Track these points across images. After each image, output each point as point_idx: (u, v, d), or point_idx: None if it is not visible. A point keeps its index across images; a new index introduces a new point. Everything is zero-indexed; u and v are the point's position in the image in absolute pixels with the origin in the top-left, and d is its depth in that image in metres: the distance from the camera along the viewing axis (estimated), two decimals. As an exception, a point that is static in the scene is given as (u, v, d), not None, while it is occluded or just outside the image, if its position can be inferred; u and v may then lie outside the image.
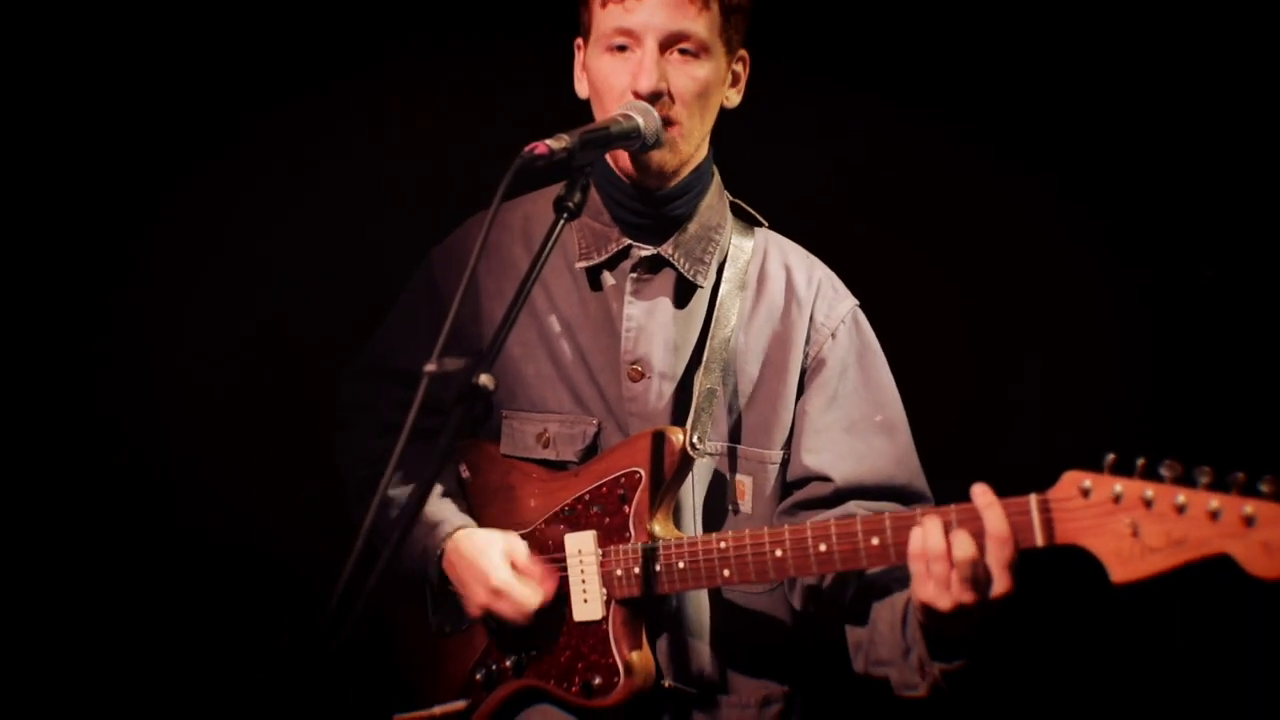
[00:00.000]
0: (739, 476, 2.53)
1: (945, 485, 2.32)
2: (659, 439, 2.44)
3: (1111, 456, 1.96)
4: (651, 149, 2.42)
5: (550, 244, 2.17)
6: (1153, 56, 3.32)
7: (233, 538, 3.44)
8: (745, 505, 2.53)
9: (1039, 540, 2.02)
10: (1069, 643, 3.43)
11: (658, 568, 2.39)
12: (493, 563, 2.44)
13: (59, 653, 3.33)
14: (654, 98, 2.41)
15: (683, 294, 2.56)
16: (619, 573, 2.43)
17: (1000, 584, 2.08)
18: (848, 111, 3.47)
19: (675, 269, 2.54)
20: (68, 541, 3.36)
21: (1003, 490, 2.09)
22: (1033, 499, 2.03)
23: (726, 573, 2.34)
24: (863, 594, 2.43)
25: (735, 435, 2.54)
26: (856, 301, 2.64)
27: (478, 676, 2.55)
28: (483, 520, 2.61)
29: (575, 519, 2.49)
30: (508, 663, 2.53)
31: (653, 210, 2.53)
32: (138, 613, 3.42)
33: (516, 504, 2.57)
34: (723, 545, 2.34)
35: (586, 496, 2.49)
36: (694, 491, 2.51)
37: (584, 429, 2.54)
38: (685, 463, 2.43)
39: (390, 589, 2.63)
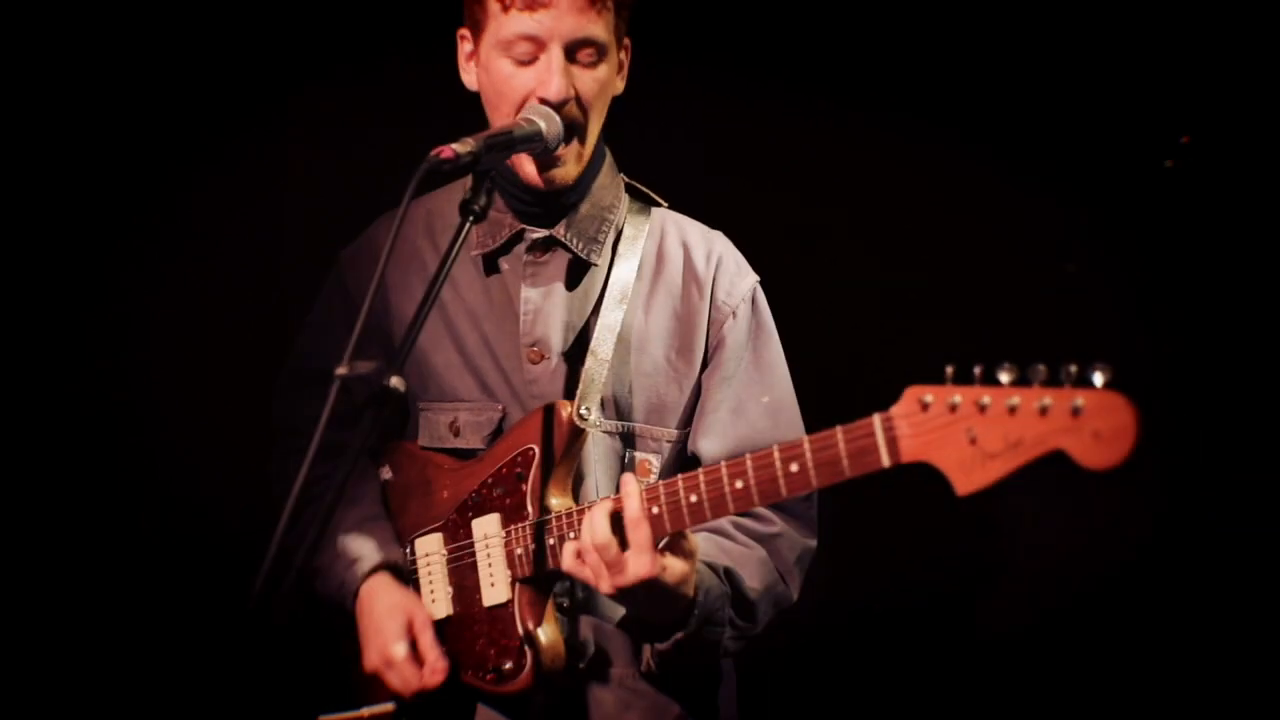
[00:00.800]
0: (642, 455, 2.54)
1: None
2: (548, 413, 2.45)
3: (950, 368, 1.91)
4: (553, 152, 2.46)
5: (457, 247, 2.22)
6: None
7: (233, 536, 3.39)
8: (650, 482, 2.50)
9: (885, 460, 1.97)
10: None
11: (552, 541, 2.39)
12: (391, 633, 2.46)
13: (59, 652, 3.38)
14: (561, 105, 2.45)
15: (577, 274, 2.58)
16: (519, 551, 2.43)
17: (639, 565, 2.19)
18: (814, 137, 3.57)
19: (568, 249, 2.57)
20: (68, 541, 3.42)
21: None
22: (876, 419, 1.98)
23: None
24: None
25: (636, 414, 2.55)
26: (757, 278, 2.65)
27: None
28: (403, 517, 2.63)
29: (481, 504, 2.50)
30: None
31: (542, 196, 2.57)
32: (137, 612, 3.46)
33: (431, 498, 2.59)
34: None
35: (489, 480, 2.50)
36: (595, 471, 2.51)
37: (490, 415, 2.56)
38: (575, 434, 2.44)
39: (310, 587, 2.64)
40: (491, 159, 2.30)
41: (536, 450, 2.44)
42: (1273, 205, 3.34)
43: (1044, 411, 1.80)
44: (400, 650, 2.44)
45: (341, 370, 1.99)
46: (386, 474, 2.70)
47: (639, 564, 2.18)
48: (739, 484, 2.16)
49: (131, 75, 3.42)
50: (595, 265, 2.58)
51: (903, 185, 3.54)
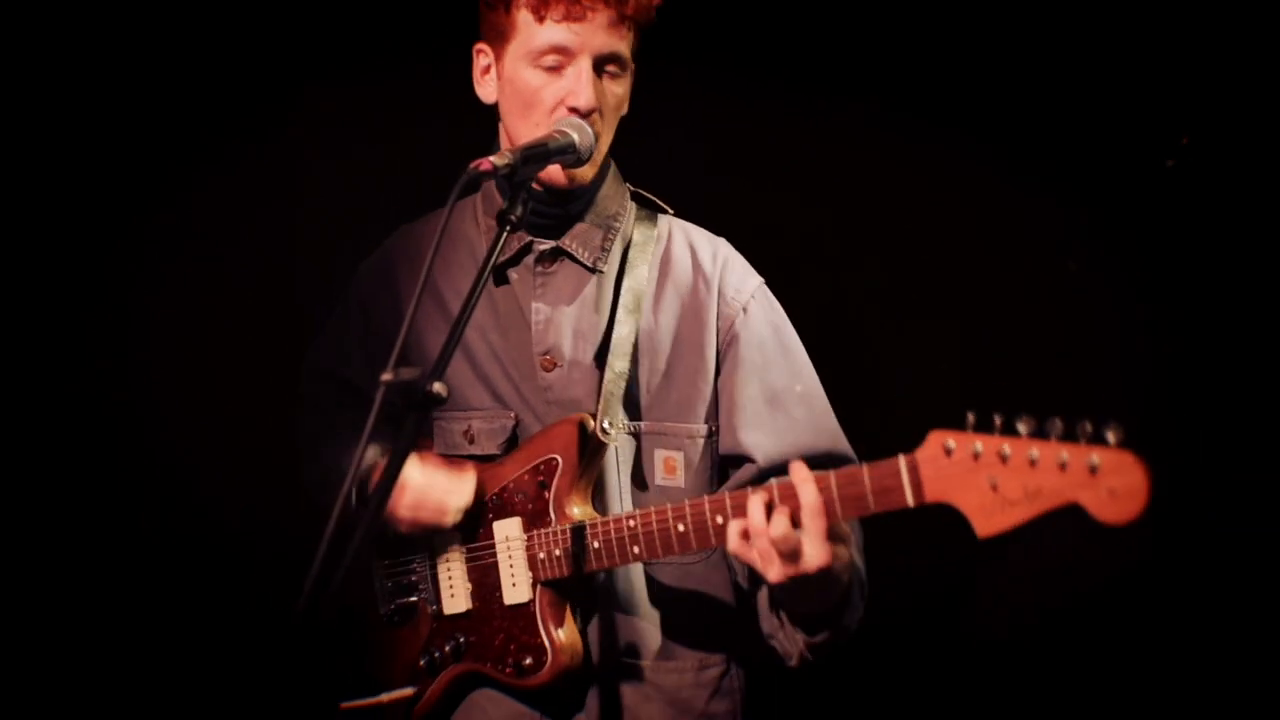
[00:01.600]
0: (667, 453, 2.61)
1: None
2: (572, 425, 2.54)
3: (971, 415, 2.00)
4: (585, 162, 2.54)
5: (495, 253, 2.29)
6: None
7: (234, 536, 3.53)
8: (678, 479, 2.61)
9: (910, 500, 2.08)
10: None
11: (577, 549, 2.48)
12: (406, 477, 2.54)
13: (58, 653, 3.42)
14: (588, 114, 2.53)
15: (586, 283, 2.66)
16: (542, 556, 2.51)
17: (815, 554, 2.20)
18: (851, 116, 3.59)
19: (575, 259, 2.65)
20: (68, 541, 3.46)
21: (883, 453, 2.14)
22: (901, 459, 2.09)
23: (636, 549, 2.42)
24: (754, 570, 2.49)
25: (657, 413, 2.62)
26: (762, 280, 2.72)
27: (422, 663, 2.65)
28: None
29: (502, 507, 2.59)
30: (448, 648, 2.62)
31: (548, 208, 2.65)
32: (136, 612, 3.50)
33: None
34: (631, 524, 2.43)
35: (510, 485, 2.58)
36: (618, 471, 2.60)
37: (503, 423, 2.65)
38: (597, 447, 2.53)
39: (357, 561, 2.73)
40: (528, 171, 2.38)
41: (559, 460, 2.53)
42: (1273, 205, 3.38)
43: (1063, 466, 1.89)
44: (418, 479, 2.54)
45: (387, 377, 2.05)
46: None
47: (817, 553, 2.21)
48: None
49: (132, 75, 3.45)
50: (602, 273, 2.66)
51: (901, 184, 3.57)
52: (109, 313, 3.46)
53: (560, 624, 2.52)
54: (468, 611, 2.61)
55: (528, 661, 2.52)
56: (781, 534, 2.20)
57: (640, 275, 2.64)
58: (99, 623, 3.45)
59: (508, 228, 2.31)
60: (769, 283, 2.72)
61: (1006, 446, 1.95)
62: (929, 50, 3.54)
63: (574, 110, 2.52)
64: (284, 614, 1.97)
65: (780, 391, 2.62)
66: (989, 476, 1.97)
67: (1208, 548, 3.40)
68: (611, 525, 2.45)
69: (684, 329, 2.64)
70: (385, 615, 2.73)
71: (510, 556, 2.56)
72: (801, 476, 2.22)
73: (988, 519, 1.97)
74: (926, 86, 3.54)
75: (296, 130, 3.55)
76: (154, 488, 3.47)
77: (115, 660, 3.44)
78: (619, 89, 2.58)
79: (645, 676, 2.58)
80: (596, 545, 2.46)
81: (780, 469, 2.55)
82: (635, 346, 2.59)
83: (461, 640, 2.61)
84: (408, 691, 2.66)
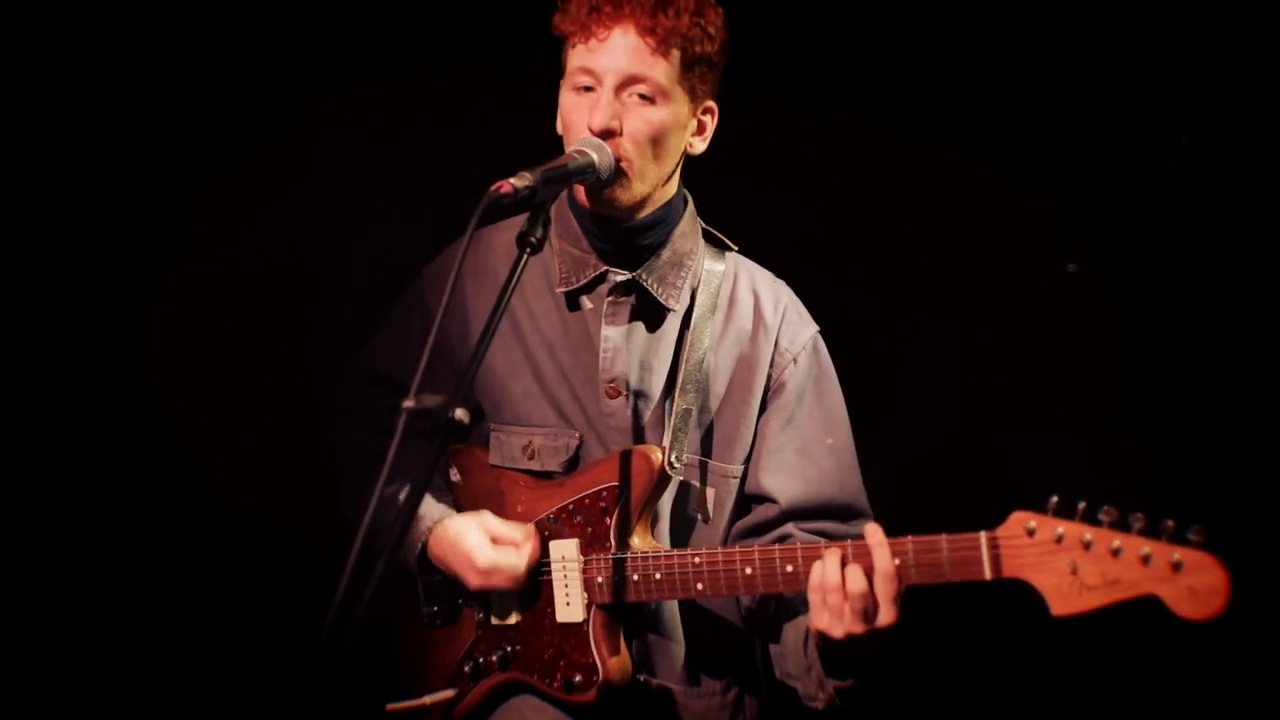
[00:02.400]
0: (704, 489, 2.69)
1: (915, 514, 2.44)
2: (640, 457, 2.60)
3: (1055, 499, 2.09)
4: (606, 185, 2.56)
5: (515, 279, 2.31)
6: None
7: (234, 536, 3.53)
8: (707, 514, 2.69)
9: (987, 574, 2.19)
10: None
11: (636, 577, 2.55)
12: (474, 545, 2.61)
13: (57, 653, 3.40)
14: (605, 134, 2.54)
15: (656, 317, 2.70)
16: (599, 580, 2.58)
17: (886, 615, 2.31)
18: (851, 116, 3.57)
19: (648, 293, 2.69)
20: (67, 541, 3.41)
21: (958, 524, 2.22)
22: (982, 536, 2.19)
23: (700, 586, 2.51)
24: (779, 611, 2.64)
25: (704, 449, 2.70)
26: (817, 328, 2.79)
27: (465, 668, 2.72)
28: None
29: (560, 527, 2.65)
30: (494, 657, 2.69)
31: (624, 240, 2.68)
32: (136, 612, 3.48)
33: (505, 509, 2.72)
34: (697, 560, 2.50)
35: (570, 506, 2.64)
36: (665, 502, 2.67)
37: (567, 441, 2.70)
38: (663, 481, 2.60)
39: (385, 584, 2.76)
40: (548, 192, 2.40)
41: (625, 490, 2.59)
42: (1273, 205, 3.42)
43: (1146, 560, 2.00)
44: (488, 553, 2.60)
45: (409, 403, 2.08)
46: (455, 476, 2.82)
47: (886, 615, 2.29)
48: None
49: (132, 74, 3.41)
50: (673, 310, 2.70)
51: (899, 184, 3.58)
52: (109, 313, 3.43)
53: (614, 649, 2.60)
54: (516, 624, 2.68)
55: (577, 679, 2.60)
56: (858, 592, 2.29)
57: (706, 314, 2.69)
58: (99, 623, 3.44)
59: (527, 250, 2.32)
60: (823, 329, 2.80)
61: (1089, 534, 2.05)
62: (929, 50, 3.55)
63: (590, 130, 2.54)
64: (307, 642, 1.99)
65: (811, 442, 2.70)
66: (1070, 561, 2.07)
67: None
68: (676, 560, 2.52)
69: (738, 372, 2.71)
70: (426, 616, 2.78)
71: (566, 576, 2.62)
72: (876, 540, 2.31)
73: (1064, 600, 2.07)
74: (926, 87, 3.55)
75: (298, 130, 3.52)
76: (154, 488, 3.44)
77: (115, 661, 3.45)
78: (653, 116, 2.56)
79: (678, 700, 2.68)
80: (659, 577, 2.53)
81: (800, 513, 2.69)
82: (697, 384, 2.64)
83: (509, 650, 2.68)
84: (449, 694, 2.73)
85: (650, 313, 2.70)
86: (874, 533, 2.32)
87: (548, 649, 2.65)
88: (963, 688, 3.56)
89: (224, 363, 3.50)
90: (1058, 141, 3.48)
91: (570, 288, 2.70)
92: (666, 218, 2.69)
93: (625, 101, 2.55)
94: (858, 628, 2.31)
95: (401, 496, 2.71)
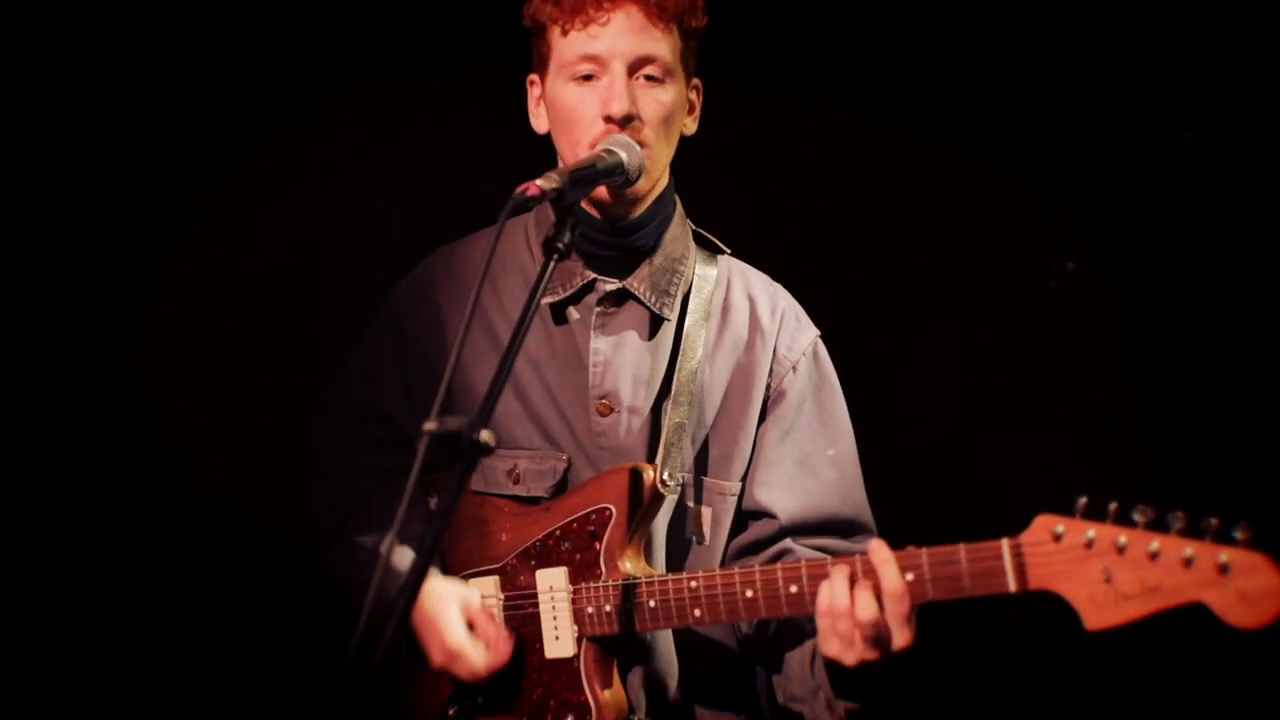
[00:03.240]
0: (700, 508, 2.51)
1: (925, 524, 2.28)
2: (630, 476, 2.40)
3: (1083, 500, 1.92)
4: (634, 184, 2.39)
5: (543, 288, 2.13)
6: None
7: (235, 536, 3.45)
8: (704, 535, 2.51)
9: (1012, 586, 1.99)
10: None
11: (629, 606, 2.36)
12: (448, 622, 2.41)
13: (60, 653, 3.37)
14: (626, 121, 2.38)
15: (648, 327, 2.52)
16: (590, 610, 2.39)
17: (900, 638, 2.11)
18: (851, 116, 3.51)
19: (640, 302, 2.52)
20: (67, 541, 3.39)
21: (976, 533, 2.05)
22: (1005, 544, 1.99)
23: (698, 613, 2.31)
24: (780, 634, 2.44)
25: (699, 466, 2.52)
26: (818, 332, 2.63)
27: (450, 711, 2.52)
28: (454, 554, 2.58)
29: (546, 555, 2.46)
30: (480, 699, 2.49)
31: (617, 242, 2.50)
32: (135, 612, 3.43)
33: (488, 538, 2.54)
34: (694, 585, 2.31)
35: (557, 532, 2.45)
36: (659, 523, 2.47)
37: (554, 464, 2.51)
38: (656, 500, 2.40)
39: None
40: (577, 194, 2.24)
41: (613, 511, 2.40)
42: (1273, 205, 3.34)
43: (1188, 563, 1.82)
44: (460, 637, 2.39)
45: (430, 426, 1.88)
46: (435, 504, 2.63)
47: (901, 638, 2.10)
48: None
49: (133, 74, 3.39)
50: (667, 319, 2.52)
51: (898, 184, 3.51)
52: (109, 313, 3.38)
53: (607, 683, 2.41)
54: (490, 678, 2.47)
55: (569, 719, 2.41)
56: (869, 619, 2.10)
57: (700, 322, 2.51)
58: (99, 623, 3.39)
59: (555, 256, 2.15)
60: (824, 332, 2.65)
61: (1123, 537, 1.87)
62: (928, 50, 3.48)
63: (610, 119, 2.38)
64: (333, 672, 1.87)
65: (811, 453, 2.53)
66: (1103, 567, 1.88)
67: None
68: (670, 585, 2.33)
69: (735, 382, 2.53)
70: (410, 659, 2.59)
71: (554, 608, 2.44)
72: (881, 558, 2.11)
73: (1098, 612, 1.89)
74: (924, 87, 3.49)
75: (299, 130, 3.46)
76: (154, 488, 3.38)
77: (116, 661, 3.38)
78: (664, 96, 2.43)
79: None
80: (653, 604, 2.34)
81: (801, 528, 2.50)
82: (691, 397, 2.46)
83: (497, 692, 2.47)
84: None
85: (642, 323, 2.52)
86: (878, 549, 2.12)
87: (537, 689, 2.45)
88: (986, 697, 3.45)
89: (224, 363, 3.44)
90: (1057, 141, 3.42)
91: (557, 298, 2.53)
92: (659, 213, 2.52)
93: (636, 85, 2.40)
94: (870, 654, 2.12)
95: (383, 547, 2.56)
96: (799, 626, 2.39)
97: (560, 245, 2.16)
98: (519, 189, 2.12)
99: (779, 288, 2.65)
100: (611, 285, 2.51)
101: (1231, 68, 3.28)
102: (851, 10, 3.46)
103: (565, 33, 2.41)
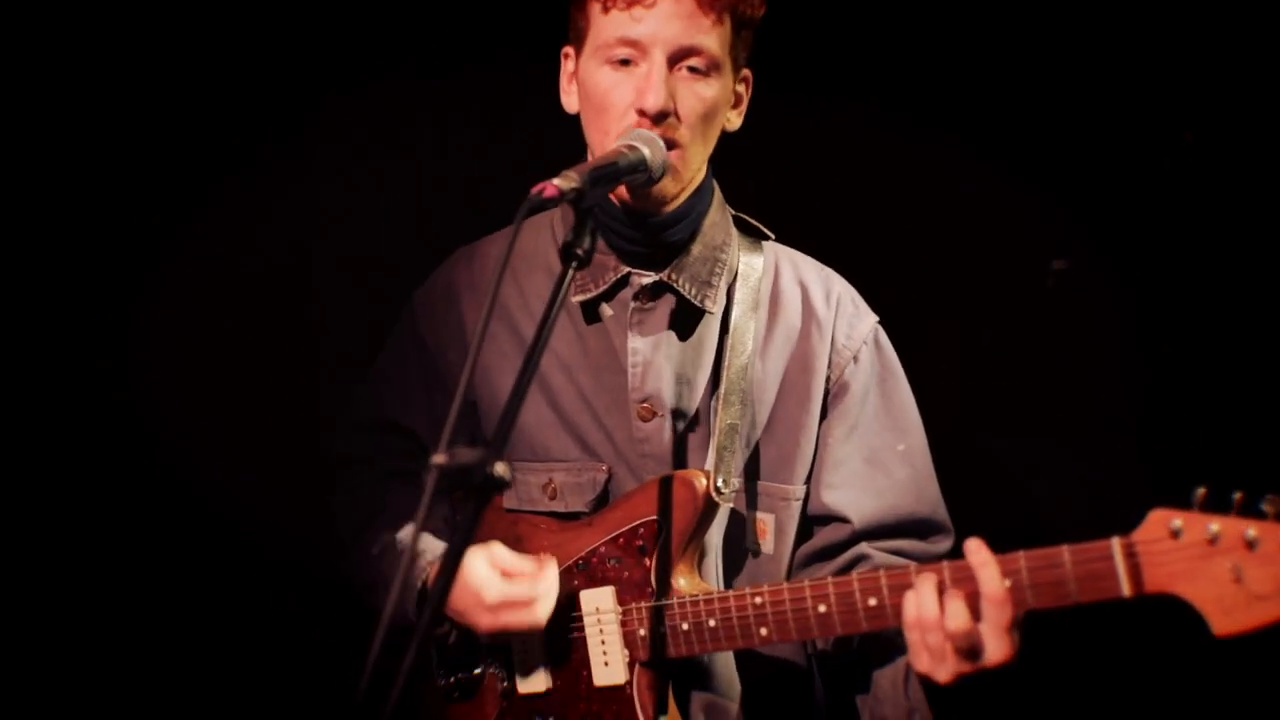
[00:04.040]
0: (759, 514, 2.33)
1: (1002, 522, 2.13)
2: (680, 484, 2.23)
3: (1202, 491, 1.77)
4: (658, 181, 2.21)
5: (562, 296, 1.92)
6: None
7: (235, 536, 3.36)
8: (767, 545, 2.34)
9: (1126, 590, 1.83)
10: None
11: (686, 626, 2.18)
12: (483, 579, 2.19)
13: (60, 653, 3.29)
14: (660, 117, 2.20)
15: (690, 321, 2.35)
16: (642, 633, 2.21)
17: (998, 651, 1.92)
18: (851, 116, 3.44)
19: (680, 295, 2.33)
20: (67, 542, 3.31)
21: (1077, 534, 1.90)
22: (1115, 543, 1.83)
23: (764, 631, 2.13)
24: (864, 651, 2.27)
25: (754, 470, 2.34)
26: (877, 318, 2.46)
27: None
28: None
29: (590, 574, 2.28)
30: None
31: (649, 236, 2.32)
32: (139, 612, 3.36)
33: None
34: (758, 601, 2.13)
35: (602, 549, 2.27)
36: (713, 534, 2.30)
37: (593, 476, 2.33)
38: (710, 509, 2.23)
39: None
40: (597, 194, 2.04)
41: (665, 524, 2.22)
42: (1273, 205, 3.30)
43: (1334, 557, 1.67)
44: (500, 587, 2.17)
45: (440, 459, 1.68)
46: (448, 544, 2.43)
47: (1000, 651, 1.91)
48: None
49: (134, 74, 3.30)
50: (710, 313, 2.34)
51: (898, 184, 3.45)
52: (109, 313, 3.30)
53: (662, 710, 2.22)
54: (547, 691, 2.29)
55: None
56: (962, 629, 1.92)
57: (748, 313, 2.33)
58: (99, 623, 3.30)
59: (574, 264, 1.94)
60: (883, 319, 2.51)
61: (1253, 530, 1.73)
62: (927, 50, 3.42)
63: (642, 112, 2.20)
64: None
65: (880, 449, 2.36)
66: (1232, 565, 1.74)
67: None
68: (733, 602, 2.15)
69: (791, 377, 2.35)
70: (444, 688, 2.39)
71: (602, 631, 2.25)
72: (981, 559, 1.92)
73: (1227, 615, 1.74)
74: (923, 86, 3.42)
75: (300, 130, 3.38)
76: (154, 488, 3.30)
77: (115, 661, 3.30)
78: (707, 92, 2.23)
79: None
80: (713, 624, 2.16)
81: (876, 531, 2.34)
82: (743, 395, 2.28)
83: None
84: None
85: (683, 318, 2.33)
86: (977, 550, 1.93)
87: (586, 719, 2.25)
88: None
89: (224, 363, 3.35)
90: (1057, 141, 3.37)
91: (588, 295, 2.34)
92: (696, 207, 2.34)
93: (676, 77, 2.21)
94: (966, 667, 1.94)
95: (403, 545, 2.36)
96: (890, 642, 2.21)
97: (579, 251, 1.95)
98: (535, 189, 1.92)
99: (831, 272, 2.47)
100: (648, 279, 2.33)
101: (1231, 68, 3.24)
102: (851, 10, 3.40)
103: (607, 9, 2.21)
